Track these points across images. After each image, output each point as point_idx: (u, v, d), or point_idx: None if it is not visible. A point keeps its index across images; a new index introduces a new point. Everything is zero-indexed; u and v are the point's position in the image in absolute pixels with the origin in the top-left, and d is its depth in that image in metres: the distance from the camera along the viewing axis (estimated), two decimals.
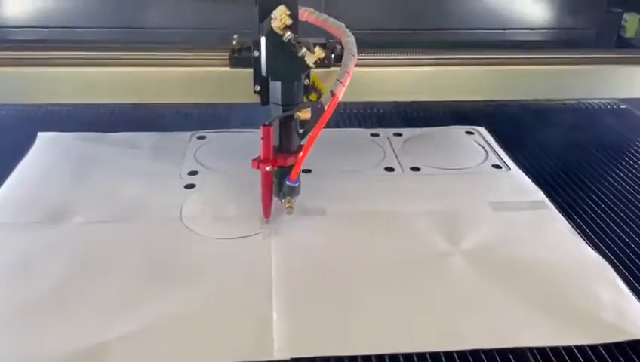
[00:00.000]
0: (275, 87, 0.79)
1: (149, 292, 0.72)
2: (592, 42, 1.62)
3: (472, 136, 1.19)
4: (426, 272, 0.77)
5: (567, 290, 0.74)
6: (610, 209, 0.94)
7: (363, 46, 0.90)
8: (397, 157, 1.08)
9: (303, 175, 0.99)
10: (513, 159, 1.09)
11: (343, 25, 0.80)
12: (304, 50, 0.72)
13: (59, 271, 0.75)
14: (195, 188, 0.95)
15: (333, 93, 0.73)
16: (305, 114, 0.77)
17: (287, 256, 0.79)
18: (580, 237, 0.85)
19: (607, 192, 1.00)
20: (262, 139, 0.76)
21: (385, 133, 1.18)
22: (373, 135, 1.18)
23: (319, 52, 0.72)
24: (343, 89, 0.74)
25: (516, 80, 1.10)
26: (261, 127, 0.75)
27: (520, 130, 1.26)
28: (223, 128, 1.18)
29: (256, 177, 0.87)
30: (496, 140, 1.17)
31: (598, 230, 0.88)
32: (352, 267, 0.78)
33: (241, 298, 0.72)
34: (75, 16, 1.39)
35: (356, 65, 0.95)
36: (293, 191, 0.82)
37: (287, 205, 0.81)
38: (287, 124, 0.80)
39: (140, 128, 1.16)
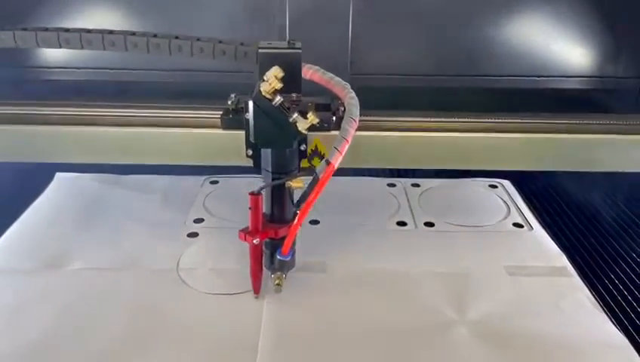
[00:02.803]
0: (266, 153, 0.74)
1: (131, 348, 0.70)
2: (635, 91, 1.55)
3: (495, 189, 1.13)
4: (426, 345, 0.71)
5: None
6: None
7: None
8: (411, 210, 1.03)
9: (309, 226, 0.97)
10: (538, 217, 1.02)
11: (348, 85, 0.74)
12: (295, 115, 0.67)
13: (46, 321, 0.74)
14: (197, 238, 0.93)
15: (328, 162, 0.67)
16: (297, 183, 0.71)
17: (277, 318, 0.75)
18: (602, 311, 0.78)
19: (637, 258, 0.91)
20: (249, 208, 0.72)
21: (402, 183, 1.14)
22: (389, 185, 1.13)
23: (312, 118, 0.67)
24: (340, 157, 0.67)
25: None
26: (249, 195, 0.71)
27: (548, 184, 1.19)
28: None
29: None
30: (521, 196, 1.10)
31: (623, 302, 0.81)
32: (345, 334, 0.73)
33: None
34: (108, 56, 1.44)
35: (382, 129, 0.82)
36: (284, 266, 0.76)
37: (275, 281, 0.76)
38: (279, 192, 0.74)
39: None
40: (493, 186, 1.14)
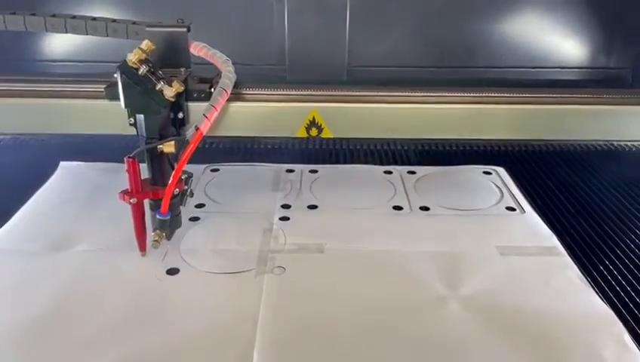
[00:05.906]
0: (140, 120, 0.79)
1: (131, 326, 0.72)
2: (627, 82, 1.57)
3: (489, 176, 1.16)
4: (420, 319, 0.74)
5: (569, 346, 0.70)
6: (628, 257, 0.89)
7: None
8: (407, 195, 1.06)
9: (308, 210, 1.00)
10: (531, 201, 1.05)
11: (230, 61, 0.84)
12: (161, 84, 0.74)
13: (51, 298, 0.76)
14: (199, 221, 0.96)
15: (197, 128, 0.76)
16: (168, 147, 0.77)
17: (277, 295, 0.78)
18: (590, 287, 0.80)
19: (626, 239, 0.94)
20: (127, 171, 0.78)
21: (399, 171, 1.16)
22: (386, 172, 1.16)
23: (177, 86, 0.75)
24: (209, 123, 0.76)
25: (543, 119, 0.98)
26: (125, 159, 0.77)
27: (542, 171, 1.21)
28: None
29: (260, 214, 0.93)
30: (514, 181, 1.13)
31: (611, 279, 0.83)
32: (342, 310, 0.75)
33: (223, 336, 0.70)
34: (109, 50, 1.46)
35: (376, 102, 0.90)
36: (164, 225, 0.81)
37: (154, 238, 0.81)
38: (156, 156, 0.80)
39: None
40: (488, 173, 1.17)
